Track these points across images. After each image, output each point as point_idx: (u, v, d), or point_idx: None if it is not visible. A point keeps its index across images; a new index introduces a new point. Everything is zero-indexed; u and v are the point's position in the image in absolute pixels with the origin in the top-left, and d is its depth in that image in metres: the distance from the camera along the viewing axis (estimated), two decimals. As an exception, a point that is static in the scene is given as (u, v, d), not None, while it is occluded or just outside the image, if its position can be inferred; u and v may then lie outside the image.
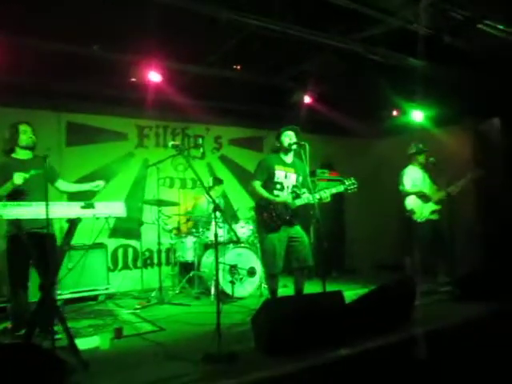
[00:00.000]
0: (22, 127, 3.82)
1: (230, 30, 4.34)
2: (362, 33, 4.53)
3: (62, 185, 4.11)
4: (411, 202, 5.30)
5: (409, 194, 5.31)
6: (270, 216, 4.18)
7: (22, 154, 3.84)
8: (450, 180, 5.19)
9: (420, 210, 5.25)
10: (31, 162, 3.77)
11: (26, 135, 3.81)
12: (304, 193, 4.29)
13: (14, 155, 3.83)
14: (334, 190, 4.17)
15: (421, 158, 5.43)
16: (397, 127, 7.15)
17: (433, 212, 5.27)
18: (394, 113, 6.95)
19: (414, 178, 5.41)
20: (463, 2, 4.18)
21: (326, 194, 4.12)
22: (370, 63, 5.04)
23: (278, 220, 4.15)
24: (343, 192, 4.24)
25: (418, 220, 5.22)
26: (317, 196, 4.08)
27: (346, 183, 4.20)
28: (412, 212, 5.26)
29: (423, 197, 5.30)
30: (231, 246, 5.58)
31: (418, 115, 6.59)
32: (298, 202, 4.19)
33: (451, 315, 3.95)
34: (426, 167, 5.48)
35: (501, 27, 4.56)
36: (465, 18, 4.38)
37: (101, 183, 4.03)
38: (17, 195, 3.63)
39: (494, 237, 5.76)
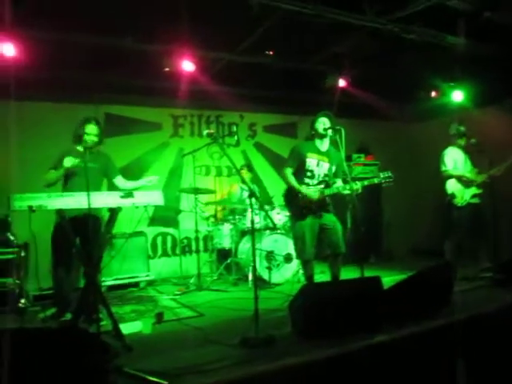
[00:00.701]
0: (88, 128, 3.95)
1: (261, 14, 4.31)
2: (398, 12, 4.38)
3: (120, 182, 4.23)
4: (452, 186, 5.14)
5: (450, 176, 5.14)
6: (297, 204, 4.18)
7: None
8: (492, 162, 5.00)
9: (461, 193, 5.09)
10: (89, 155, 3.90)
11: (89, 137, 3.95)
12: (335, 182, 4.24)
13: (77, 147, 4.01)
14: (366, 183, 4.10)
15: (461, 141, 5.24)
16: (435, 109, 6.93)
17: (474, 196, 5.10)
18: (433, 94, 6.73)
19: (455, 159, 5.23)
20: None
21: (357, 185, 4.05)
22: (406, 43, 4.89)
23: (303, 209, 4.15)
24: (378, 184, 4.17)
25: (459, 204, 5.06)
26: (348, 188, 4.03)
27: (381, 176, 4.13)
28: (452, 196, 5.10)
29: (464, 180, 5.13)
30: (267, 232, 5.62)
31: (457, 96, 6.36)
32: (327, 192, 4.16)
33: (492, 301, 3.84)
34: (466, 149, 5.30)
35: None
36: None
37: (154, 178, 4.12)
38: (70, 186, 3.82)
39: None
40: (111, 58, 4.98)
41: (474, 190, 5.11)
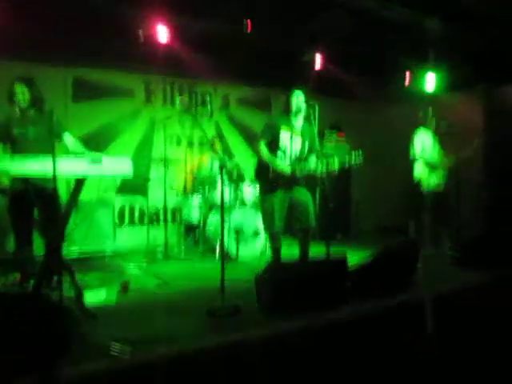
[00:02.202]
0: (15, 87, 3.73)
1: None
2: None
3: (69, 139, 3.98)
4: (419, 171, 5.25)
5: (417, 158, 5.25)
6: (268, 177, 4.18)
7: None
8: (460, 145, 5.13)
9: (427, 176, 5.21)
10: (31, 118, 3.76)
11: (18, 97, 3.73)
12: (309, 157, 4.25)
13: (15, 109, 3.80)
14: (336, 162, 4.07)
15: (431, 124, 5.33)
16: (408, 92, 7.00)
17: (440, 179, 5.23)
18: (407, 77, 6.78)
19: (423, 142, 5.33)
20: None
21: (334, 164, 4.03)
22: (384, 22, 4.88)
23: (275, 182, 4.16)
24: (348, 164, 4.17)
25: (424, 186, 5.18)
26: (319, 166, 4.03)
27: (353, 155, 4.08)
28: (419, 179, 5.23)
29: (430, 164, 5.24)
30: (237, 205, 5.62)
31: (430, 79, 6.43)
32: (299, 168, 4.17)
33: (451, 280, 3.99)
34: (436, 132, 5.40)
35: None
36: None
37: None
38: (18, 152, 3.65)
39: (499, 204, 5.73)
40: (81, 21, 4.76)
41: (439, 173, 5.23)
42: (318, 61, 5.94)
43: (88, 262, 5.17)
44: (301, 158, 4.24)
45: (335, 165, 4.05)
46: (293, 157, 4.24)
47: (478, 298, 3.56)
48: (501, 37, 5.11)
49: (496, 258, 4.29)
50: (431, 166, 5.24)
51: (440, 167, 5.22)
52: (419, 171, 5.24)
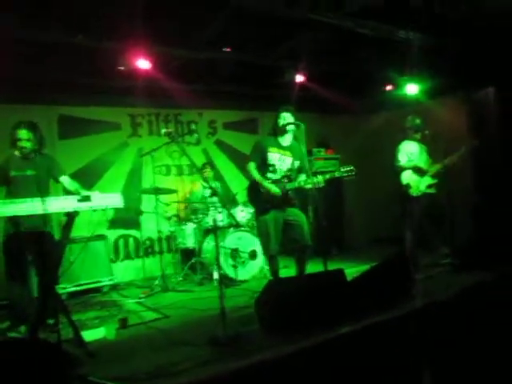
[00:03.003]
0: (19, 134, 3.74)
1: (216, 10, 4.27)
2: (350, 7, 4.44)
3: (66, 180, 3.94)
4: (407, 177, 5.27)
5: (404, 169, 5.28)
6: (260, 199, 4.19)
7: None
8: (446, 151, 5.17)
9: (416, 184, 5.23)
10: (31, 161, 3.77)
11: (21, 142, 3.74)
12: (298, 177, 4.27)
13: (15, 153, 3.82)
14: (327, 176, 4.11)
15: (417, 134, 5.37)
16: (391, 101, 7.11)
17: (429, 186, 5.26)
18: (388, 87, 6.88)
19: (409, 152, 5.36)
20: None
21: (319, 179, 4.06)
22: (361, 38, 4.97)
23: (267, 203, 4.16)
24: (340, 178, 4.19)
25: (414, 194, 5.20)
26: (309, 182, 4.06)
27: (342, 170, 4.12)
28: (408, 186, 5.23)
29: (419, 171, 5.27)
30: (231, 230, 5.59)
31: (411, 88, 6.52)
32: (289, 187, 4.18)
33: (452, 286, 3.97)
34: (422, 140, 5.44)
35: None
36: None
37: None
38: (13, 194, 3.64)
39: (490, 207, 5.76)
40: (62, 58, 4.81)
41: (428, 180, 5.26)
42: (300, 79, 6.01)
43: (85, 299, 5.10)
44: (291, 177, 4.26)
45: (322, 180, 4.06)
46: (283, 176, 4.25)
47: (476, 301, 3.55)
48: (477, 42, 5.21)
49: (493, 259, 4.30)
50: (419, 172, 5.26)
51: (428, 174, 5.25)
52: (407, 177, 5.25)
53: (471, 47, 5.39)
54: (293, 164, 4.33)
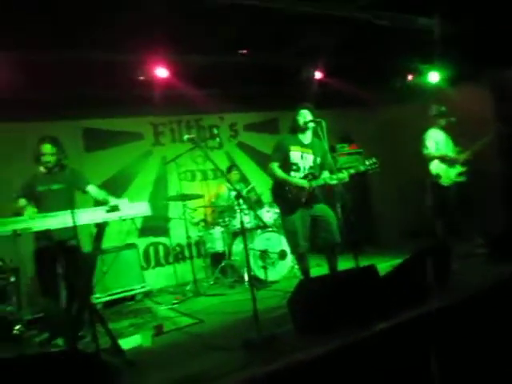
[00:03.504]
0: (43, 148, 3.84)
1: (232, 13, 4.28)
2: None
3: (92, 190, 4.04)
4: (436, 167, 5.17)
5: (433, 157, 5.17)
6: (285, 197, 4.16)
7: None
8: (473, 138, 5.04)
9: (446, 173, 5.12)
10: (55, 176, 3.85)
11: (45, 157, 3.83)
12: (322, 174, 4.23)
13: (40, 168, 3.91)
14: (352, 171, 4.10)
15: (442, 121, 5.27)
16: (413, 91, 6.95)
17: (459, 174, 5.13)
18: (409, 77, 6.74)
19: (437, 140, 5.26)
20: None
21: (344, 174, 4.07)
22: (378, 29, 4.88)
23: (293, 202, 4.13)
24: (364, 172, 4.16)
25: (445, 184, 5.08)
26: (334, 178, 4.04)
27: (367, 163, 4.12)
28: (438, 176, 5.13)
29: (448, 160, 5.15)
30: (259, 231, 5.59)
31: (433, 76, 6.38)
32: (314, 184, 4.15)
33: (489, 277, 3.85)
34: (447, 129, 5.32)
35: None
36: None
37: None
38: (42, 208, 3.72)
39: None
40: (83, 72, 4.90)
41: (458, 169, 5.14)
42: (318, 75, 5.96)
43: (119, 308, 5.18)
44: (315, 174, 4.22)
45: (347, 175, 4.06)
46: (306, 174, 4.22)
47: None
48: (494, 24, 5.05)
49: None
50: (448, 161, 5.15)
51: (457, 162, 5.12)
52: (436, 167, 5.15)
53: (489, 30, 5.23)
54: (315, 161, 4.30)
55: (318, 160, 4.30)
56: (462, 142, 5.23)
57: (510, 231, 4.45)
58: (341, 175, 4.05)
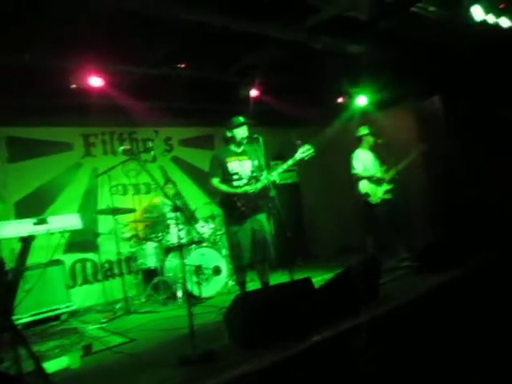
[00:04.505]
0: None
1: (170, 27, 4.27)
2: (303, 23, 4.56)
3: None
4: (365, 186, 5.44)
5: (360, 177, 5.45)
6: (235, 208, 4.16)
7: None
8: (398, 159, 5.39)
9: (374, 192, 5.41)
10: None
11: None
12: (262, 175, 4.26)
13: None
14: (290, 162, 4.18)
15: (370, 140, 5.58)
16: (344, 112, 7.29)
17: (386, 192, 5.44)
18: (340, 99, 7.06)
19: (364, 160, 5.55)
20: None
21: (284, 166, 4.14)
22: (313, 52, 5.10)
23: (244, 210, 4.14)
24: (300, 160, 4.21)
25: (373, 202, 5.37)
26: (274, 173, 4.10)
27: (301, 150, 4.17)
28: (367, 195, 5.41)
29: (375, 180, 5.45)
30: (193, 246, 5.52)
31: (361, 100, 6.74)
32: (260, 185, 4.18)
33: (414, 288, 4.09)
34: (374, 149, 5.64)
35: (431, 9, 4.74)
36: (397, 2, 4.52)
37: None
38: None
39: (443, 210, 5.99)
40: (9, 78, 4.62)
41: (385, 187, 5.45)
42: (255, 93, 6.07)
43: (43, 328, 4.84)
44: (257, 178, 4.25)
45: (284, 167, 4.20)
46: (249, 179, 4.24)
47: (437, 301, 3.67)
48: (422, 54, 5.47)
49: (450, 260, 4.47)
50: (375, 181, 5.44)
51: (384, 181, 5.43)
52: (365, 186, 5.43)
53: (414, 59, 5.66)
54: (253, 165, 4.35)
55: (256, 163, 4.34)
56: (388, 161, 5.57)
57: (434, 245, 4.76)
58: (283, 167, 4.17)
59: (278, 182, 4.16)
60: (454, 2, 4.61)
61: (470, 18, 4.65)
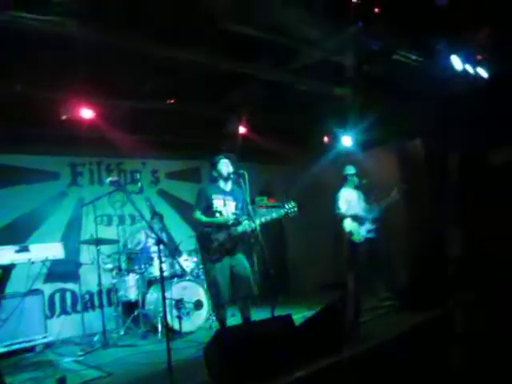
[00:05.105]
0: None
1: (160, 63, 4.42)
2: (290, 64, 4.75)
3: None
4: (349, 225, 5.54)
5: (345, 217, 5.55)
6: (211, 246, 4.19)
7: None
8: (381, 197, 5.52)
9: (357, 231, 5.51)
10: None
11: None
12: (244, 220, 4.34)
13: None
14: (274, 215, 4.27)
15: (355, 180, 5.71)
16: (329, 151, 7.46)
17: (369, 231, 5.54)
18: (325, 139, 7.24)
19: (348, 199, 5.67)
20: (378, 33, 4.55)
21: (267, 219, 4.21)
22: (300, 92, 5.29)
23: (219, 249, 4.18)
24: (284, 216, 4.33)
25: (357, 240, 5.45)
26: (257, 222, 4.16)
27: (286, 207, 4.30)
28: (350, 233, 5.51)
29: (358, 219, 5.56)
30: (175, 279, 5.49)
31: (346, 140, 6.92)
32: (240, 229, 4.24)
33: (393, 327, 4.12)
34: (359, 188, 5.77)
35: (413, 57, 4.99)
36: (381, 49, 4.75)
37: None
38: None
39: (424, 251, 6.08)
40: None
41: (368, 226, 5.55)
42: (242, 130, 6.22)
43: (16, 360, 4.70)
44: (238, 220, 4.31)
45: (269, 221, 4.23)
46: (230, 219, 4.29)
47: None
48: (405, 98, 5.69)
49: (429, 299, 4.53)
50: (359, 220, 5.54)
51: (367, 220, 5.54)
52: (349, 225, 5.52)
53: (397, 102, 5.89)
54: (237, 207, 4.42)
55: (240, 206, 4.42)
56: (371, 201, 5.69)
57: (414, 285, 4.83)
58: (263, 220, 4.21)
59: (257, 230, 4.20)
60: (433, 52, 4.86)
61: (451, 67, 4.92)
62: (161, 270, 3.54)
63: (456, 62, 4.79)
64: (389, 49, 4.80)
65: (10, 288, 4.79)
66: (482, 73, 4.91)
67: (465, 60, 4.75)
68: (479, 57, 4.81)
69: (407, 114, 5.99)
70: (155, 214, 6.27)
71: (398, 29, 4.61)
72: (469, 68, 4.82)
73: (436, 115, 5.92)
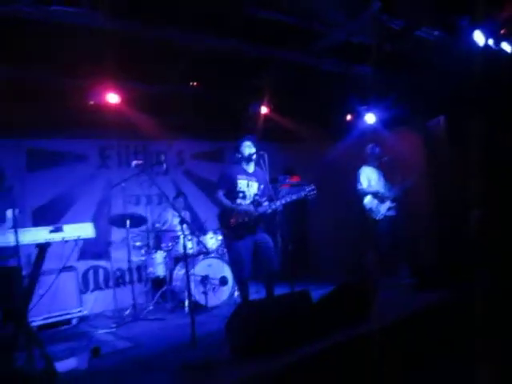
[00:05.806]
0: None
1: (184, 49, 4.52)
2: (312, 46, 4.77)
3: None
4: (369, 202, 5.59)
5: (365, 193, 5.59)
6: (233, 225, 4.34)
7: None
8: (403, 177, 5.52)
9: (377, 208, 5.55)
10: None
11: None
12: (265, 201, 4.47)
13: None
14: (294, 197, 4.36)
15: (375, 160, 5.73)
16: (352, 130, 7.44)
17: (389, 208, 5.58)
18: (348, 117, 7.22)
19: (369, 177, 5.70)
20: (400, 12, 4.50)
21: (287, 200, 4.32)
22: (322, 72, 5.30)
23: (241, 229, 4.31)
24: (304, 198, 4.44)
25: (377, 218, 5.50)
26: (278, 203, 4.27)
27: (307, 189, 4.40)
28: (370, 211, 5.55)
29: (379, 197, 5.59)
30: (201, 257, 5.70)
31: (370, 118, 6.89)
32: (261, 210, 4.37)
33: (411, 305, 4.19)
34: (380, 167, 5.79)
35: (436, 33, 4.91)
36: (402, 27, 4.70)
37: None
38: None
39: (445, 229, 6.07)
40: (31, 92, 4.90)
41: (388, 204, 5.58)
42: (264, 110, 6.29)
43: (55, 333, 5.05)
44: (260, 202, 4.44)
45: (287, 201, 4.33)
46: (252, 201, 4.43)
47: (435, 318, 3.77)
48: (428, 76, 5.61)
49: (451, 278, 4.57)
50: (379, 198, 5.58)
51: (388, 199, 5.57)
52: (369, 202, 5.57)
53: (420, 80, 5.80)
54: (259, 188, 4.54)
55: (262, 187, 4.55)
56: (392, 180, 5.70)
57: (433, 263, 4.87)
58: (283, 202, 4.32)
59: (277, 210, 4.32)
60: (456, 28, 4.77)
61: (473, 42, 4.82)
62: (184, 248, 3.72)
63: (479, 37, 4.69)
64: (412, 26, 4.74)
65: (46, 265, 5.14)
66: (506, 47, 4.80)
67: (488, 35, 4.64)
68: (503, 31, 4.69)
69: (431, 91, 5.91)
70: (179, 194, 6.48)
71: (422, 5, 4.55)
72: (492, 43, 4.71)
73: (460, 92, 5.82)
